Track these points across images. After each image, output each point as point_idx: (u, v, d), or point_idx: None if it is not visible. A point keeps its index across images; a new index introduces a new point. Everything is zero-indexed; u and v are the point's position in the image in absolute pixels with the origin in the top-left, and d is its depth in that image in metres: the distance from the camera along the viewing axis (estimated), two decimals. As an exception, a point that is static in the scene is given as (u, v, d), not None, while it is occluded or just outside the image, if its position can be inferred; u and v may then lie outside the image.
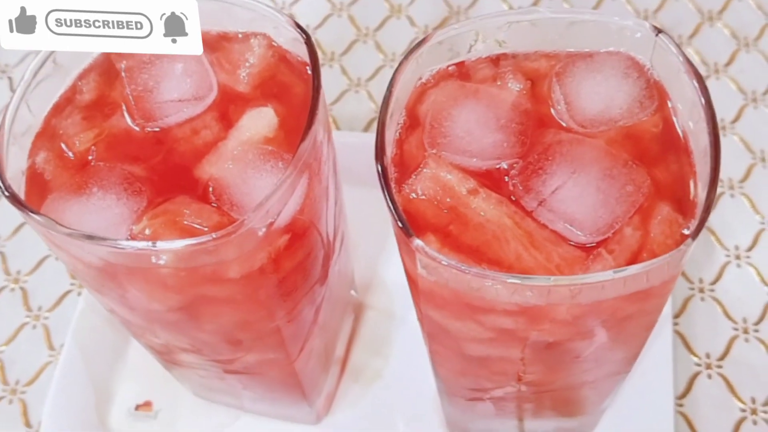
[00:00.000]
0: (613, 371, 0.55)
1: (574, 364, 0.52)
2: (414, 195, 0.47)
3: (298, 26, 0.51)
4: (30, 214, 0.45)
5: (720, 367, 0.71)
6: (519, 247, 0.45)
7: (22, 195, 0.49)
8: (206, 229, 0.46)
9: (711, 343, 0.72)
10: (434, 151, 0.48)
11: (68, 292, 0.79)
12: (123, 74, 0.53)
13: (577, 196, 0.46)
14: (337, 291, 0.65)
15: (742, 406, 0.69)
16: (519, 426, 0.65)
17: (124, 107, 0.52)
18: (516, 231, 0.46)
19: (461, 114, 0.49)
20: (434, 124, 0.49)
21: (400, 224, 0.44)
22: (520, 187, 0.47)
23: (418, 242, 0.43)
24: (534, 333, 0.47)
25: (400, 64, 0.49)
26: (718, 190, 0.77)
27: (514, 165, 0.48)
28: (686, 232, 0.45)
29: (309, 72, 0.50)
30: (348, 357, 0.72)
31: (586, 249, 0.45)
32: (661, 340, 0.68)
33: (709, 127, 0.44)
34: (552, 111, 0.50)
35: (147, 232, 0.46)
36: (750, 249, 0.76)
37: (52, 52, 0.52)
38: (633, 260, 0.44)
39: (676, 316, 0.73)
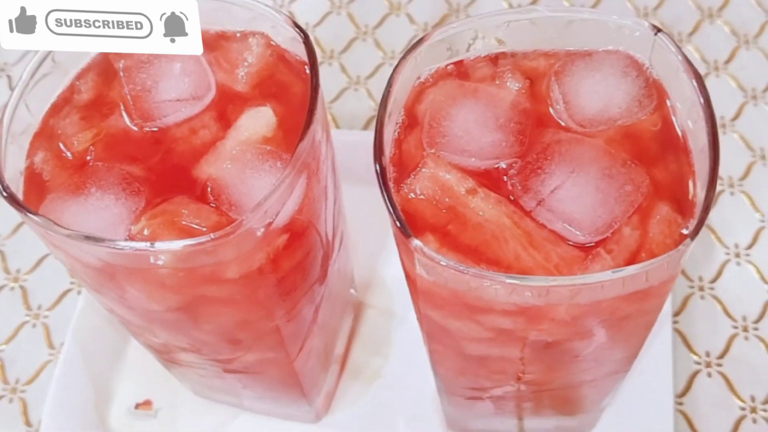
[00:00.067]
0: (613, 370, 0.55)
1: (573, 364, 0.52)
2: (413, 195, 0.47)
3: (297, 25, 0.51)
4: (28, 214, 0.45)
5: (720, 365, 0.71)
6: (518, 246, 0.45)
7: (20, 195, 0.49)
8: (205, 229, 0.46)
9: (711, 341, 0.72)
10: (433, 150, 0.48)
11: (68, 290, 0.79)
12: (121, 74, 0.53)
13: (576, 195, 0.46)
14: (337, 290, 0.65)
15: (741, 404, 0.69)
16: (518, 425, 0.65)
17: (122, 107, 0.52)
18: (515, 231, 0.45)
19: (460, 113, 0.49)
20: (433, 124, 0.49)
21: (398, 224, 0.44)
22: (519, 187, 0.47)
23: (416, 242, 0.43)
24: (533, 333, 0.47)
25: (399, 63, 0.49)
26: (718, 187, 0.78)
27: (513, 164, 0.47)
28: (685, 231, 0.44)
29: (307, 71, 0.50)
30: (347, 356, 0.72)
31: (585, 249, 0.45)
32: (660, 338, 0.68)
33: (708, 126, 0.44)
34: (551, 110, 0.50)
35: (145, 232, 0.46)
36: (750, 247, 0.76)
37: (50, 51, 0.52)
38: (632, 260, 0.44)
39: (676, 314, 0.73)
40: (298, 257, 0.51)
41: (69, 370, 0.70)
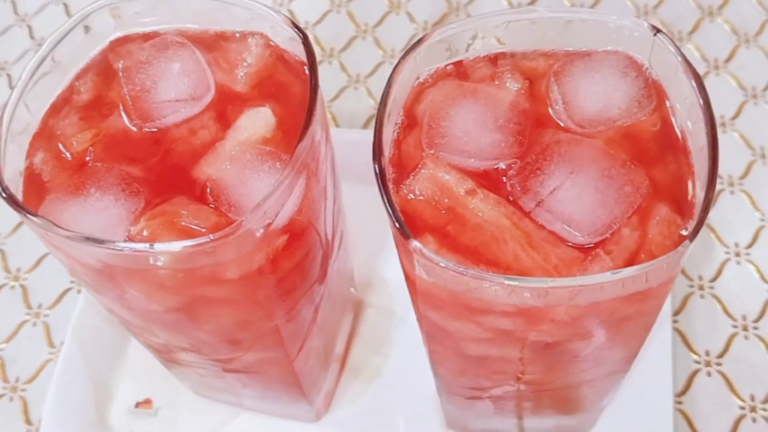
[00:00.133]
0: (612, 370, 0.55)
1: (572, 364, 0.52)
2: (412, 195, 0.47)
3: (296, 26, 0.51)
4: (27, 215, 0.45)
5: (719, 364, 0.71)
6: (517, 247, 0.45)
7: (20, 196, 0.49)
8: (204, 230, 0.46)
9: (710, 340, 0.72)
10: (432, 151, 0.48)
11: (68, 289, 0.79)
12: (120, 74, 0.53)
13: (575, 196, 0.46)
14: (337, 289, 0.65)
15: (741, 403, 0.69)
16: (518, 424, 0.65)
17: (121, 107, 0.52)
18: (514, 232, 0.45)
19: (459, 114, 0.49)
20: (432, 124, 0.49)
21: (397, 225, 0.44)
22: (518, 188, 0.46)
23: (415, 244, 0.43)
24: (532, 333, 0.47)
25: (398, 63, 0.49)
26: (718, 186, 0.78)
27: (512, 165, 0.47)
28: (684, 232, 0.44)
29: (307, 72, 0.50)
30: (347, 355, 0.73)
31: (584, 250, 0.45)
32: (660, 337, 0.68)
33: (707, 127, 0.44)
34: (550, 110, 0.50)
35: (145, 233, 0.46)
36: (750, 246, 0.76)
37: (50, 51, 0.52)
38: (631, 261, 0.44)
39: (676, 313, 0.73)
40: (297, 257, 0.51)
41: (69, 369, 0.70)
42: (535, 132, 0.49)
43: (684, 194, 0.46)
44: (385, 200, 0.45)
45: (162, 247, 0.44)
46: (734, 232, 0.77)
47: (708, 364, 0.71)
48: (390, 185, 0.47)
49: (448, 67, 0.52)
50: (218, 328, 0.54)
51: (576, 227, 0.45)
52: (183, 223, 0.46)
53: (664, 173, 0.47)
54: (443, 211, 0.47)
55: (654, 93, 0.49)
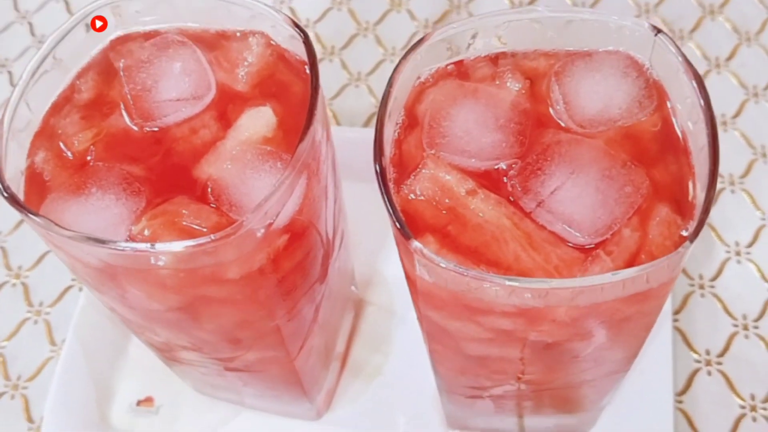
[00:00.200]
0: (613, 370, 0.55)
1: (573, 364, 0.52)
2: (413, 196, 0.47)
3: (296, 25, 0.51)
4: (29, 215, 0.45)
5: (720, 363, 0.71)
6: (518, 248, 0.45)
7: (21, 195, 0.49)
8: (205, 230, 0.46)
9: (711, 339, 0.72)
10: (433, 151, 0.48)
11: (69, 287, 0.79)
12: (121, 73, 0.53)
13: (576, 197, 0.46)
14: (337, 288, 0.65)
15: (741, 402, 0.69)
16: (519, 423, 0.66)
17: (122, 106, 0.52)
18: (515, 232, 0.46)
19: (460, 114, 0.49)
20: (433, 124, 0.49)
21: (398, 226, 0.44)
22: (519, 188, 0.47)
23: (416, 244, 0.43)
24: (533, 334, 0.47)
25: (399, 63, 0.49)
26: (719, 185, 0.78)
27: (513, 165, 0.47)
28: (685, 233, 0.44)
29: (307, 71, 0.50)
30: (348, 353, 0.73)
31: (585, 250, 0.45)
32: (660, 336, 0.68)
33: (707, 128, 0.44)
34: (551, 110, 0.50)
35: (146, 232, 0.46)
36: (750, 245, 0.76)
37: (52, 49, 0.52)
38: (631, 262, 0.44)
39: (676, 312, 0.73)
40: (298, 257, 0.51)
41: (70, 367, 0.70)
42: (535, 132, 0.49)
43: (684, 195, 0.46)
44: (386, 200, 0.45)
45: (163, 247, 0.44)
46: (735, 231, 0.77)
47: (708, 363, 0.71)
48: (391, 185, 0.47)
49: (449, 67, 0.52)
50: (219, 327, 0.54)
51: (576, 228, 0.45)
52: (184, 223, 0.47)
53: (664, 174, 0.47)
54: (444, 212, 0.47)
55: (655, 93, 0.49)
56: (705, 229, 0.75)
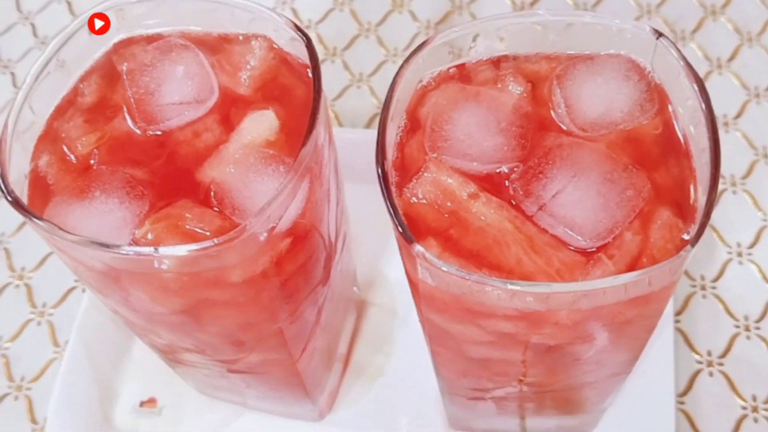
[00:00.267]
0: (614, 372, 0.55)
1: (574, 366, 0.52)
2: (415, 199, 0.47)
3: (299, 29, 0.51)
4: (33, 219, 0.45)
5: (721, 364, 0.71)
6: (519, 251, 0.45)
7: (25, 199, 0.50)
8: (208, 233, 0.47)
9: (712, 340, 0.72)
10: (435, 154, 0.48)
11: (73, 288, 0.79)
12: (124, 77, 0.53)
13: (578, 200, 0.46)
14: (340, 290, 0.65)
15: (743, 403, 0.69)
16: (520, 424, 0.66)
17: (125, 110, 0.52)
18: (516, 235, 0.46)
19: (462, 117, 0.49)
20: (435, 128, 0.49)
21: (400, 230, 0.44)
22: (521, 192, 0.47)
23: (418, 248, 0.43)
24: (534, 337, 0.47)
25: (401, 67, 0.49)
26: (720, 186, 0.78)
27: (515, 169, 0.48)
28: (686, 236, 0.45)
29: (310, 74, 0.50)
30: (350, 354, 0.73)
31: (587, 254, 0.45)
32: (662, 337, 0.68)
33: (709, 132, 0.44)
34: (552, 114, 0.50)
35: (149, 236, 0.47)
36: (752, 246, 0.76)
37: (55, 52, 0.52)
38: (633, 265, 0.44)
39: (678, 313, 0.73)
40: (301, 260, 0.52)
41: (74, 368, 0.71)
42: (537, 135, 0.49)
43: (686, 198, 0.46)
44: (388, 204, 0.45)
45: (166, 251, 0.44)
46: (736, 232, 0.77)
47: (710, 364, 0.71)
48: (393, 189, 0.47)
49: (450, 70, 0.52)
50: (222, 329, 0.54)
51: (578, 231, 0.45)
52: (187, 227, 0.47)
53: (666, 177, 0.47)
54: (446, 215, 0.47)
55: (656, 97, 0.49)
56: (706, 230, 0.75)
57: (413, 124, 0.50)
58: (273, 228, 0.47)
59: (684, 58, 0.47)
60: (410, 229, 0.44)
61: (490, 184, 0.48)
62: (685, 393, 0.70)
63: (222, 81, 0.53)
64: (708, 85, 0.81)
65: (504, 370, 0.53)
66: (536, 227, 0.46)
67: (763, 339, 0.72)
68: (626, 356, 0.53)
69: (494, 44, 0.51)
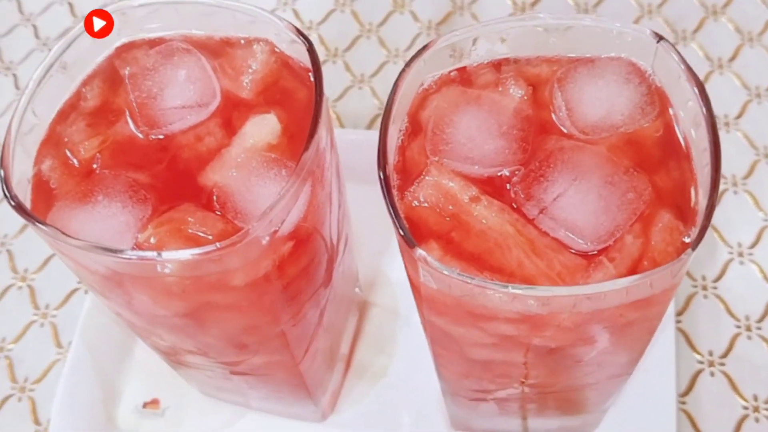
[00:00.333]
0: (616, 373, 0.56)
1: (576, 368, 0.52)
2: (416, 202, 0.47)
3: (300, 33, 0.51)
4: (36, 223, 0.46)
5: (722, 364, 0.71)
6: (521, 254, 0.46)
7: (28, 203, 0.50)
8: (211, 237, 0.47)
9: (713, 340, 0.72)
10: (436, 158, 0.48)
11: (75, 290, 0.79)
12: (127, 81, 0.53)
13: (579, 203, 0.46)
14: (342, 291, 0.65)
15: (744, 403, 0.69)
16: (522, 424, 0.66)
17: (128, 114, 0.53)
18: (518, 238, 0.46)
19: (463, 120, 0.49)
20: (436, 131, 0.49)
21: (402, 233, 0.44)
22: (522, 195, 0.47)
23: (420, 252, 0.43)
24: (536, 339, 0.47)
25: (403, 71, 0.49)
26: (721, 186, 0.78)
27: (516, 172, 0.48)
28: (687, 239, 0.45)
29: (312, 78, 0.50)
30: (353, 355, 0.73)
31: (588, 257, 0.45)
32: (663, 337, 0.68)
33: (709, 135, 0.45)
34: (553, 117, 0.50)
35: (152, 240, 0.47)
36: (753, 246, 0.76)
37: (58, 57, 0.52)
38: (634, 268, 0.44)
39: (679, 313, 0.73)
40: (303, 263, 0.52)
41: (77, 369, 0.71)
42: (538, 139, 0.49)
43: (687, 201, 0.46)
44: (390, 208, 0.45)
45: (169, 256, 0.44)
46: (737, 232, 0.77)
47: (711, 364, 0.71)
48: (394, 192, 0.47)
49: (452, 74, 0.52)
50: (224, 332, 0.54)
51: (579, 234, 0.45)
52: (190, 231, 0.47)
53: (666, 180, 0.47)
54: (447, 218, 0.47)
55: (657, 100, 0.49)
56: (708, 230, 0.75)
57: (415, 127, 0.50)
58: (275, 231, 0.47)
59: (684, 61, 0.47)
60: (412, 232, 0.44)
61: (492, 187, 0.48)
62: (686, 393, 0.70)
63: (224, 85, 0.53)
64: (709, 85, 0.82)
65: (506, 371, 0.53)
66: (537, 230, 0.46)
67: (764, 339, 0.72)
68: (627, 357, 0.54)
69: (495, 47, 0.52)
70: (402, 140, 0.50)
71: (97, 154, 0.51)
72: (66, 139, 0.52)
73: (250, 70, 0.53)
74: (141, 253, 0.45)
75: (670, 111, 0.49)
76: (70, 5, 0.98)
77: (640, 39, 0.49)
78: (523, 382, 0.54)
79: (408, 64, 0.50)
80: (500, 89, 0.51)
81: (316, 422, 0.70)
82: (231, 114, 0.52)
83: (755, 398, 0.69)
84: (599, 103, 0.49)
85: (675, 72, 0.48)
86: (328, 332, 0.63)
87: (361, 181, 0.65)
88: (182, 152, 0.51)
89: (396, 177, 0.49)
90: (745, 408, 0.69)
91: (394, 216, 0.45)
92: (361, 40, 0.92)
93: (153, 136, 0.52)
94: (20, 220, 0.81)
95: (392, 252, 0.76)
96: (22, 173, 0.50)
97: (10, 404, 0.74)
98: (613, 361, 0.53)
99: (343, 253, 0.62)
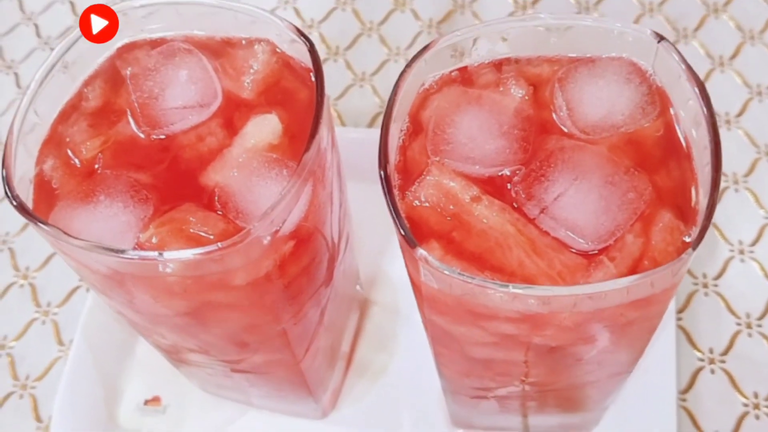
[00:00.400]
0: (616, 372, 0.56)
1: (576, 366, 0.52)
2: (417, 202, 0.47)
3: (301, 33, 0.51)
4: (38, 223, 0.46)
5: (723, 362, 0.71)
6: (521, 254, 0.46)
7: (30, 203, 0.50)
8: (212, 237, 0.47)
9: (714, 338, 0.72)
10: (437, 158, 0.49)
11: (77, 288, 0.80)
12: (128, 81, 0.53)
13: (579, 203, 0.46)
14: (343, 289, 0.65)
15: (744, 400, 0.69)
16: (523, 422, 0.66)
17: (129, 114, 0.53)
18: (518, 238, 0.46)
19: (464, 120, 0.49)
20: (437, 131, 0.49)
21: (403, 233, 0.44)
22: (523, 195, 0.47)
23: (421, 252, 0.43)
24: (536, 338, 0.47)
25: (404, 71, 0.49)
26: (722, 184, 0.78)
27: (517, 172, 0.48)
28: (688, 239, 0.45)
29: (313, 78, 0.50)
30: (353, 353, 0.73)
31: (588, 256, 0.45)
32: (664, 335, 0.68)
33: (710, 135, 0.45)
34: (554, 117, 0.50)
35: (154, 240, 0.47)
36: (754, 243, 0.76)
37: (60, 57, 0.52)
38: (634, 268, 0.44)
39: (680, 311, 0.73)
40: (304, 262, 0.52)
41: (78, 367, 0.71)
42: (539, 138, 0.49)
43: (687, 200, 0.47)
44: (391, 207, 0.45)
45: (171, 255, 0.45)
46: (738, 230, 0.77)
47: (712, 361, 0.71)
48: (395, 192, 0.47)
49: (453, 74, 0.52)
50: (226, 331, 0.55)
51: (580, 234, 0.45)
52: (191, 231, 0.47)
53: (667, 180, 0.47)
54: (448, 218, 0.47)
55: (658, 100, 0.49)
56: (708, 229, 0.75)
57: (416, 127, 0.50)
58: (276, 231, 0.47)
59: (685, 61, 0.47)
60: (413, 232, 0.45)
61: (493, 187, 0.48)
62: (686, 390, 0.70)
63: (225, 85, 0.53)
64: (710, 83, 0.82)
65: (506, 370, 0.53)
66: (538, 230, 0.46)
67: (764, 336, 0.72)
68: (628, 356, 0.54)
69: (496, 47, 0.52)
70: (403, 140, 0.50)
71: (99, 154, 0.51)
72: (68, 139, 0.52)
73: (251, 71, 0.53)
74: (142, 253, 0.45)
75: (671, 111, 0.49)
76: (72, 4, 0.98)
77: (640, 39, 0.49)
78: (523, 381, 0.55)
79: (409, 65, 0.50)
80: (501, 89, 0.51)
81: (316, 420, 0.70)
82: (232, 114, 0.52)
83: (755, 395, 0.70)
84: (600, 103, 0.49)
85: (675, 72, 0.48)
86: (329, 331, 0.64)
87: (362, 179, 0.65)
88: (184, 152, 0.51)
89: (397, 177, 0.49)
90: (746, 405, 0.69)
91: (395, 216, 0.45)
92: (362, 38, 0.92)
93: (154, 137, 0.52)
94: (21, 219, 0.82)
95: (393, 250, 0.75)
96: (24, 173, 0.50)
97: (12, 402, 0.75)
98: (613, 359, 0.53)
99: (344, 251, 0.62)
